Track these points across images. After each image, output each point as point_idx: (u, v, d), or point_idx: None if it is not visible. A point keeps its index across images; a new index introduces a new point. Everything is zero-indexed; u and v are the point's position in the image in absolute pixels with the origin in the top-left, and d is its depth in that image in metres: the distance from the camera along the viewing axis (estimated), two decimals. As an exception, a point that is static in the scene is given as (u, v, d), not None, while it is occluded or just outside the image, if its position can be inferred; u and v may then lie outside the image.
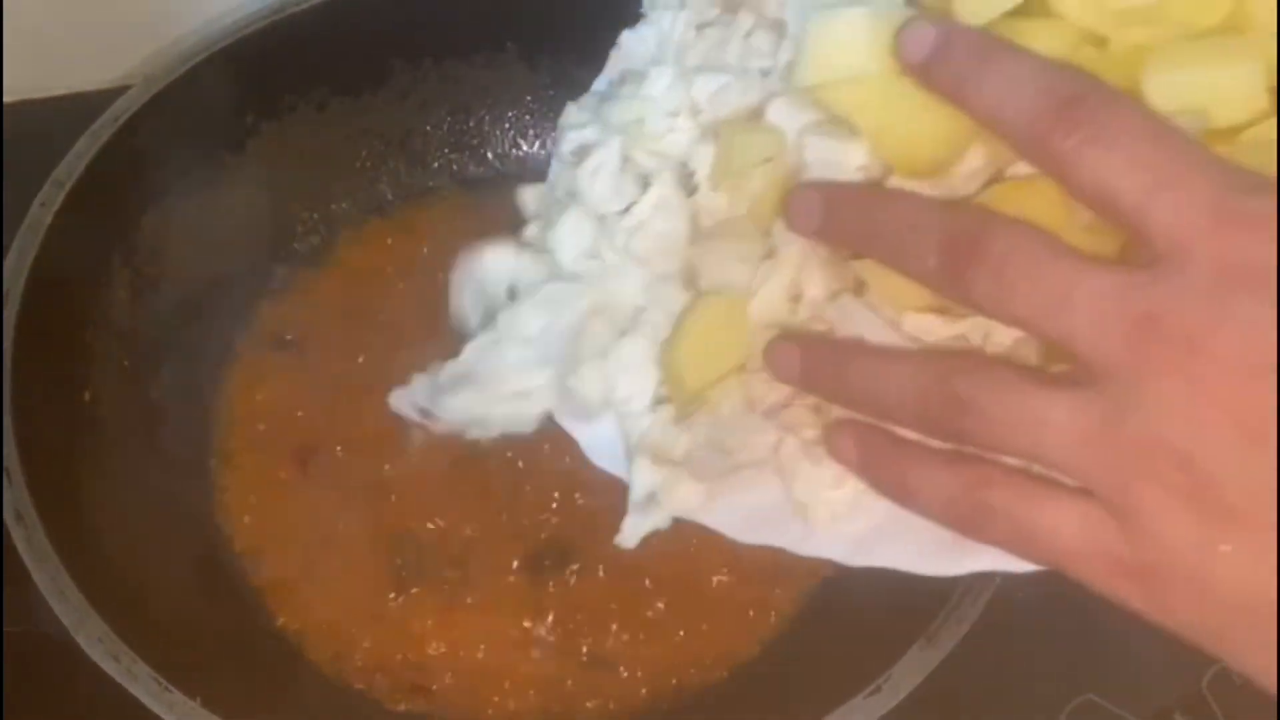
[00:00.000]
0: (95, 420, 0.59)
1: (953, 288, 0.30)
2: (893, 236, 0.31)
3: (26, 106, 0.76)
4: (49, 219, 0.58)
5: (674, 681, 0.59)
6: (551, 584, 0.61)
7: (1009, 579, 0.56)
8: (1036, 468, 0.30)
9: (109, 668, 0.47)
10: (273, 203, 0.70)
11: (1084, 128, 0.28)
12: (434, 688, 0.58)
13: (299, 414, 0.65)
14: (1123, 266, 0.28)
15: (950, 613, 0.50)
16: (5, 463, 0.51)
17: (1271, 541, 0.26)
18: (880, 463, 0.33)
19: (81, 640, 0.48)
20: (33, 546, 0.49)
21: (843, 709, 0.49)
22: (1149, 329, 0.27)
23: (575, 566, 0.61)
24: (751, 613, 0.60)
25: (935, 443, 0.32)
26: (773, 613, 0.61)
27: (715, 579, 0.60)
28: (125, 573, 0.52)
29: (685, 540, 0.55)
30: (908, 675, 0.49)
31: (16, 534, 0.49)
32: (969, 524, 0.31)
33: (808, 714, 0.50)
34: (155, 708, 0.47)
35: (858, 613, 0.57)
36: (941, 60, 0.30)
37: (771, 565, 0.60)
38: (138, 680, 0.47)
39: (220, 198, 0.68)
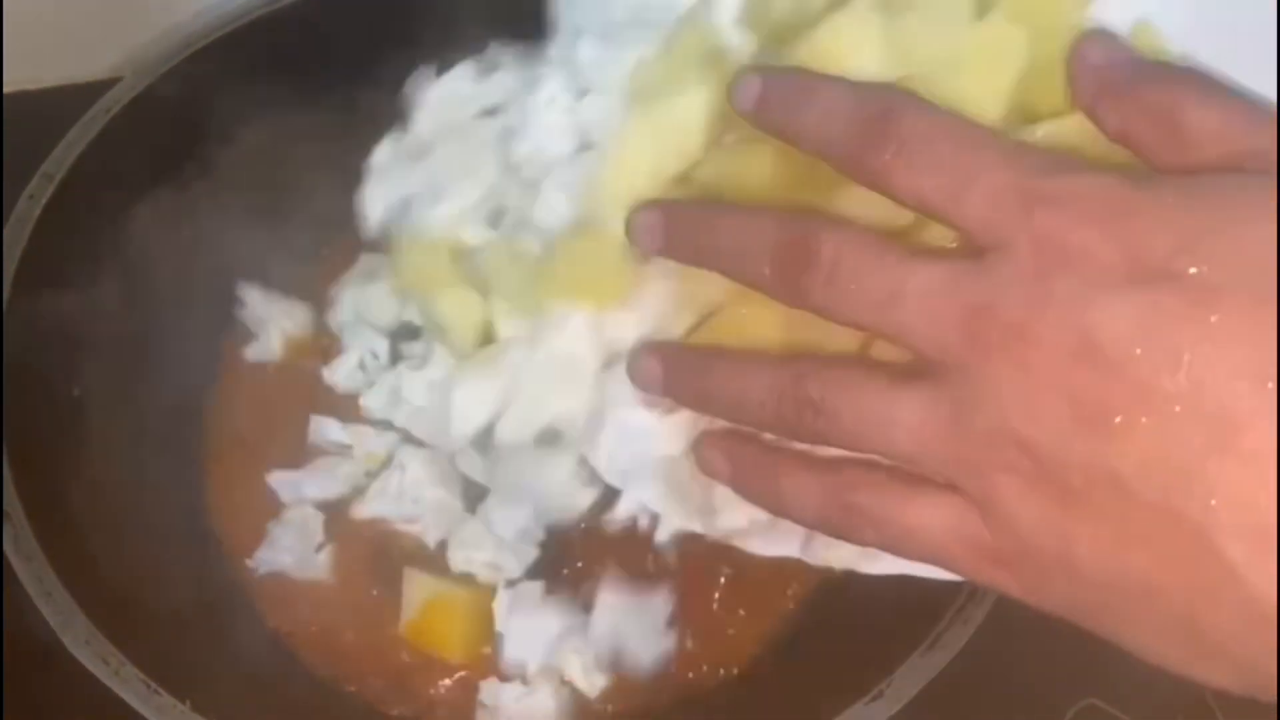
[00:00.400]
0: (84, 417, 0.58)
1: (791, 296, 0.31)
2: (730, 249, 0.32)
3: (16, 98, 0.75)
4: (37, 212, 0.57)
5: (675, 685, 0.58)
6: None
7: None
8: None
9: (97, 670, 0.46)
10: (265, 197, 0.70)
11: (891, 142, 0.29)
12: (429, 691, 0.57)
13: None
14: (951, 258, 0.28)
15: (954, 617, 0.50)
16: (-8, 460, 0.50)
17: (1119, 520, 0.26)
18: (750, 473, 0.34)
19: (68, 641, 0.47)
20: (19, 545, 0.48)
21: (844, 715, 0.48)
22: (980, 319, 0.27)
23: (578, 564, 0.60)
24: (753, 617, 0.60)
25: (803, 446, 0.33)
26: (774, 617, 0.60)
27: (719, 581, 0.60)
28: (113, 573, 0.52)
29: (687, 543, 0.55)
30: (910, 681, 0.49)
31: (4, 533, 0.48)
32: (842, 529, 0.32)
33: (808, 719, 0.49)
34: (144, 710, 0.46)
35: (859, 617, 0.57)
36: (766, 105, 0.32)
37: (773, 569, 0.60)
38: (126, 683, 0.46)
39: (211, 191, 0.67)
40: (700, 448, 0.35)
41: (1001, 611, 0.51)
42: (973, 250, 0.28)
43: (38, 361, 0.56)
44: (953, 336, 0.27)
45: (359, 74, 0.71)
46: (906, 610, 0.52)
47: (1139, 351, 0.25)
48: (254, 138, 0.68)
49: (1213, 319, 0.24)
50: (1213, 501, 0.24)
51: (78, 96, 0.63)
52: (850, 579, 0.59)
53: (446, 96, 0.51)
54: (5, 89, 0.74)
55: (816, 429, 0.30)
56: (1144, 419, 0.25)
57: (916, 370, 0.29)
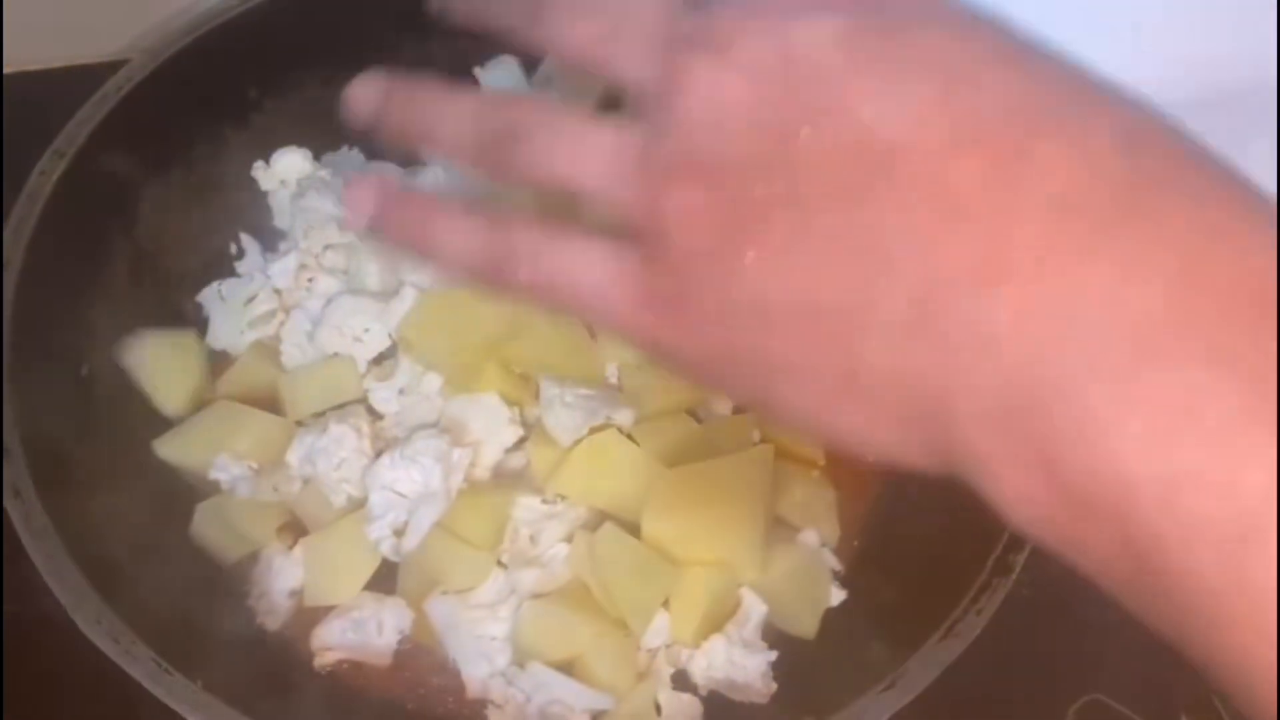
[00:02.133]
0: (94, 397, 0.58)
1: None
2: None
3: (27, 77, 0.74)
4: (49, 188, 0.57)
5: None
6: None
7: (1020, 578, 0.57)
8: None
9: (108, 649, 0.46)
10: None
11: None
12: (437, 684, 0.57)
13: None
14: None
15: (967, 607, 0.50)
16: (2, 437, 0.50)
17: (793, 243, 0.26)
18: (401, 215, 0.32)
19: (80, 621, 0.46)
20: (31, 524, 0.48)
21: (857, 704, 0.48)
22: (680, 41, 0.27)
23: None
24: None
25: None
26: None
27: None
28: (124, 553, 0.51)
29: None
30: (922, 671, 0.49)
31: (14, 511, 0.48)
32: (495, 271, 0.30)
33: (820, 708, 0.49)
34: (155, 690, 0.45)
35: (871, 605, 0.57)
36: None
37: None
38: (137, 662, 0.46)
39: (222, 172, 0.67)
40: (347, 188, 0.34)
41: (1007, 606, 0.51)
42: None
43: (47, 339, 0.56)
44: (652, 62, 0.27)
45: (368, 55, 0.70)
46: (918, 602, 0.52)
47: (831, 64, 0.25)
48: (264, 120, 0.68)
49: (903, 50, 0.25)
50: (884, 218, 0.24)
51: (87, 77, 0.62)
52: (860, 570, 0.61)
53: None
54: (17, 69, 0.74)
55: (514, 155, 0.30)
56: (827, 135, 0.25)
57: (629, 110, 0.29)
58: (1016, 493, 0.24)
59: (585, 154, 0.29)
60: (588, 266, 0.29)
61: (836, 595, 0.58)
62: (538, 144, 0.29)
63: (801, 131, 0.25)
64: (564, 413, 0.59)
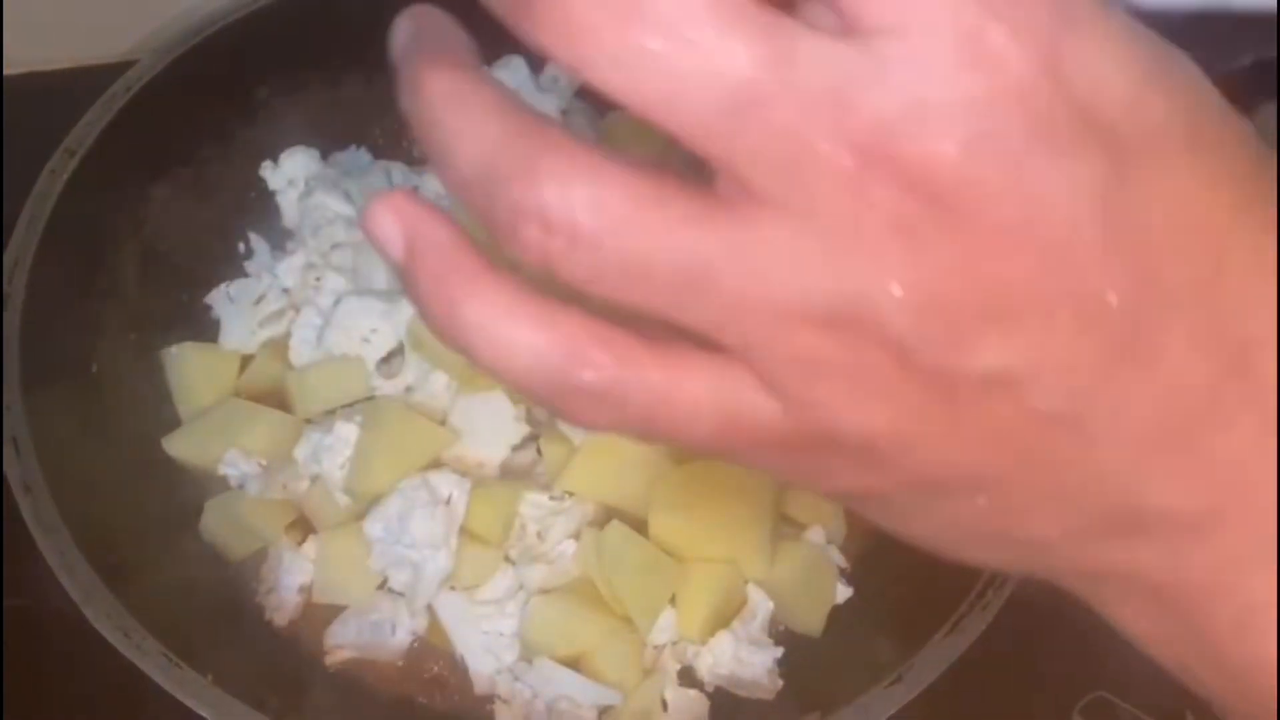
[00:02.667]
0: (103, 393, 0.58)
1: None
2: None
3: (36, 77, 0.75)
4: (59, 187, 0.57)
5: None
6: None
7: (1026, 576, 0.57)
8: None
9: (118, 643, 0.46)
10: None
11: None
12: (445, 679, 0.57)
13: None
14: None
15: (973, 602, 0.50)
16: (13, 433, 0.50)
17: (988, 422, 0.20)
18: (434, 267, 0.21)
19: (90, 614, 0.47)
20: (41, 518, 0.48)
21: (863, 699, 0.48)
22: (875, 153, 0.19)
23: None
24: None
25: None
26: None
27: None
28: (134, 547, 0.52)
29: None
30: (928, 666, 0.49)
31: (25, 505, 0.48)
32: (566, 398, 0.21)
33: (825, 703, 0.49)
34: (165, 684, 0.46)
35: (878, 602, 0.57)
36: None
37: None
38: (147, 656, 0.46)
39: (230, 172, 0.67)
40: (374, 208, 0.22)
41: (1012, 603, 0.51)
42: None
43: (57, 337, 0.56)
44: (819, 168, 0.19)
45: (377, 54, 0.71)
46: (926, 596, 0.53)
47: (1088, 232, 0.19)
48: (273, 119, 0.68)
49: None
50: (1120, 407, 0.20)
51: (96, 77, 0.63)
52: (870, 569, 0.61)
53: None
54: (28, 69, 0.74)
55: (563, 261, 0.20)
56: (1077, 318, 0.19)
57: (739, 198, 0.19)
58: (1147, 631, 0.23)
59: (693, 287, 0.20)
60: (698, 403, 0.21)
61: (843, 592, 0.59)
62: (608, 253, 0.20)
63: (1026, 314, 0.19)
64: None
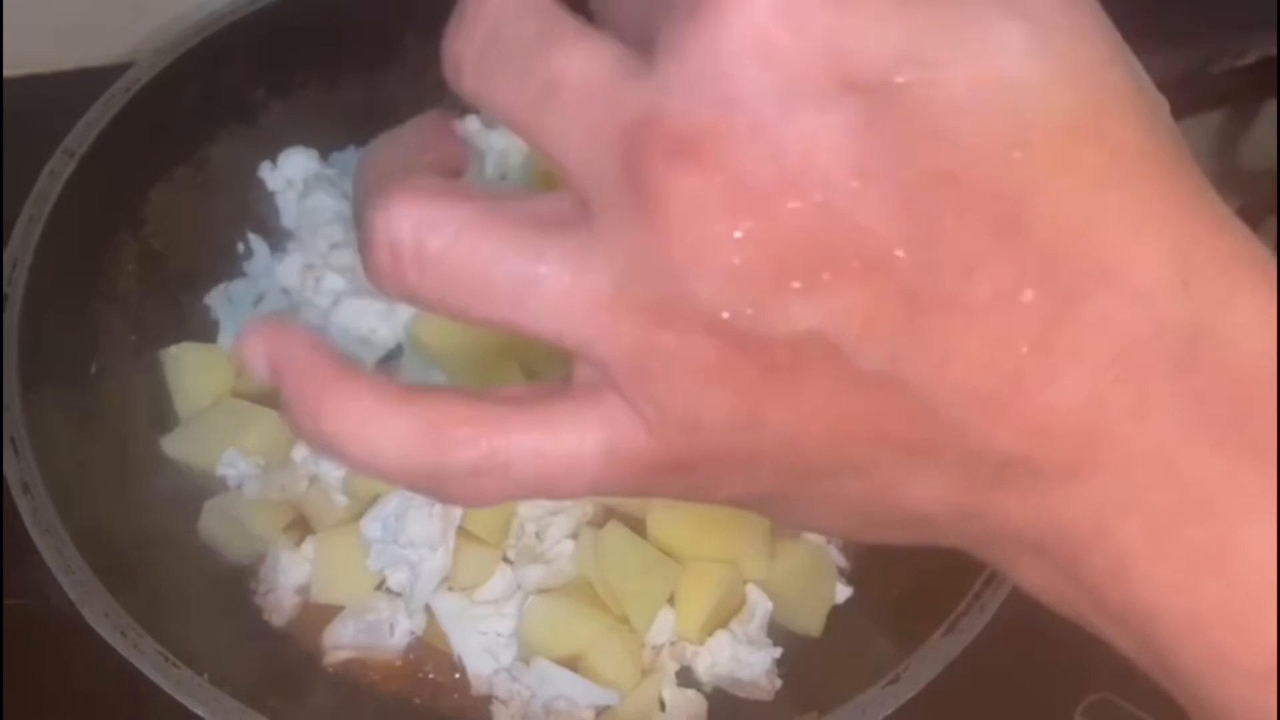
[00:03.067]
0: (102, 393, 0.58)
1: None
2: None
3: (36, 80, 0.75)
4: (59, 188, 0.57)
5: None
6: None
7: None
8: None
9: (115, 642, 0.46)
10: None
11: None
12: (443, 680, 0.57)
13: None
14: (608, 51, 0.20)
15: (970, 602, 0.50)
16: (11, 432, 0.50)
17: (828, 395, 0.20)
18: (293, 381, 0.22)
19: (87, 614, 0.47)
20: (39, 518, 0.48)
21: (860, 699, 0.48)
22: (644, 136, 0.19)
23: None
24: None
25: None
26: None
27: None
28: (132, 547, 0.52)
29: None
30: (926, 665, 0.49)
31: (23, 505, 0.48)
32: (440, 481, 0.21)
33: (824, 703, 0.49)
34: (162, 683, 0.46)
35: (875, 601, 0.57)
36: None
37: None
38: (144, 656, 0.46)
39: (229, 172, 0.68)
40: (242, 334, 0.23)
41: (1012, 603, 0.51)
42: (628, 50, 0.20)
43: (57, 337, 0.56)
44: (610, 159, 0.19)
45: (374, 55, 0.72)
46: (923, 595, 0.52)
47: (855, 185, 0.19)
48: (272, 120, 0.68)
49: (939, 151, 0.19)
50: (941, 362, 0.20)
51: (95, 79, 0.63)
52: (866, 566, 0.61)
53: None
54: (27, 71, 0.75)
55: (415, 284, 0.21)
56: (870, 270, 0.19)
57: (567, 213, 0.20)
58: (1041, 587, 0.23)
59: (532, 298, 0.20)
60: (579, 456, 0.21)
61: (842, 592, 0.58)
62: (461, 276, 0.21)
63: (829, 273, 0.19)
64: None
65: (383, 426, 0.21)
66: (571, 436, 0.21)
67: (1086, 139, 0.20)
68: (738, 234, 0.19)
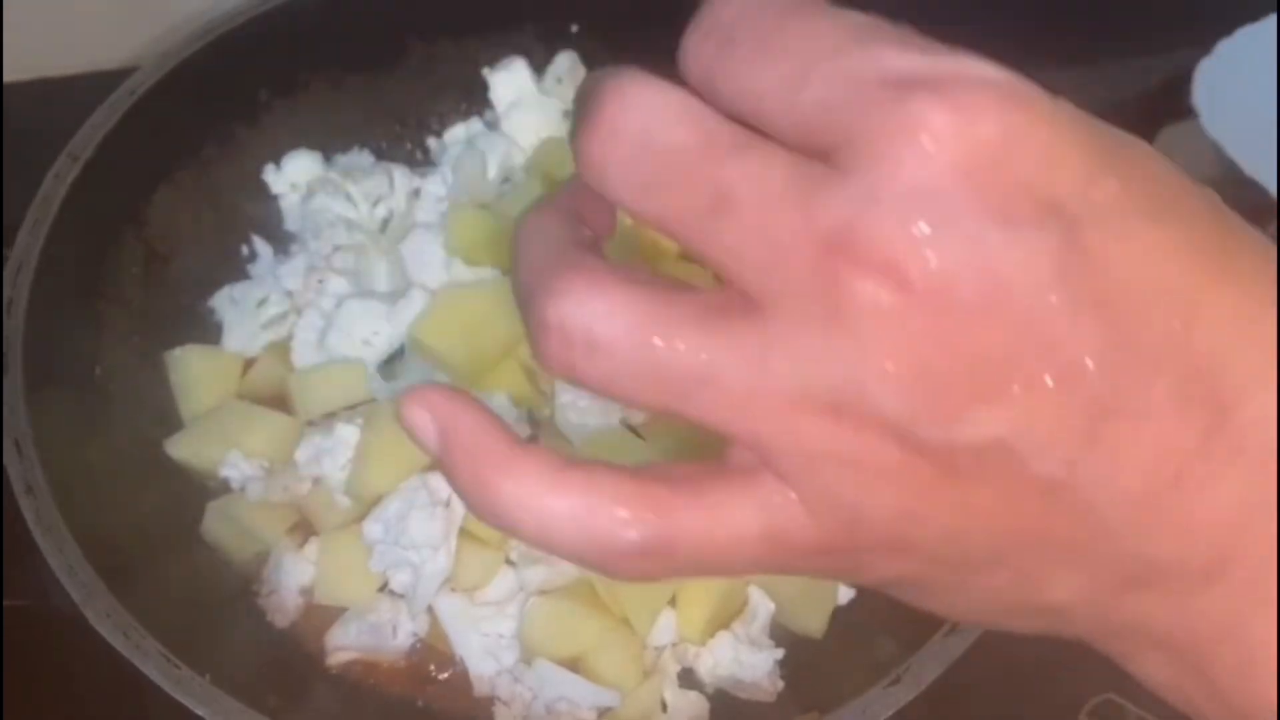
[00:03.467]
0: (107, 395, 0.58)
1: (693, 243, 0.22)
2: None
3: (42, 84, 0.76)
4: (63, 191, 0.57)
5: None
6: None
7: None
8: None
9: (118, 643, 0.46)
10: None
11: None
12: (445, 681, 0.57)
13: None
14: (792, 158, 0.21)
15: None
16: (16, 434, 0.50)
17: (996, 497, 0.21)
18: (466, 454, 0.23)
19: (90, 615, 0.47)
20: (42, 519, 0.49)
21: (861, 699, 0.48)
22: (836, 248, 0.20)
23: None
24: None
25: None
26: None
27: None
28: (135, 548, 0.52)
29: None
30: (928, 666, 0.49)
31: (26, 506, 0.49)
32: (608, 558, 0.22)
33: (825, 704, 0.49)
34: (164, 684, 0.46)
35: (877, 601, 0.57)
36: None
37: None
38: (147, 656, 0.46)
39: (233, 175, 0.68)
40: (408, 402, 0.24)
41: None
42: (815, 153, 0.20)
43: (60, 340, 0.57)
44: (798, 268, 0.20)
45: (378, 57, 0.72)
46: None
47: (1054, 300, 0.20)
48: (275, 122, 0.69)
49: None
50: (1112, 468, 0.21)
51: (100, 83, 0.63)
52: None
53: None
54: (33, 75, 0.75)
55: (582, 369, 0.21)
56: (1060, 382, 0.20)
57: (736, 309, 0.21)
58: (1163, 681, 0.24)
59: (704, 395, 0.21)
60: (742, 538, 0.22)
61: (845, 594, 0.58)
62: (621, 363, 0.21)
63: (1019, 385, 0.20)
64: (577, 417, 0.59)
65: (554, 505, 0.22)
66: (732, 520, 0.22)
67: (1231, 249, 0.21)
68: (933, 348, 0.20)
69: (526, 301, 0.22)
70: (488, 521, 0.23)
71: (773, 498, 0.22)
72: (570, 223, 0.24)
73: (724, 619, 0.57)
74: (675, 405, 0.21)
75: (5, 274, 0.55)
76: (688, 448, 0.59)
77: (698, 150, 0.20)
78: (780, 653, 0.57)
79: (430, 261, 0.63)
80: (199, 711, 0.46)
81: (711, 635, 0.57)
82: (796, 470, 0.21)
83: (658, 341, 0.21)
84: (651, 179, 0.21)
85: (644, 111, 0.21)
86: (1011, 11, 0.78)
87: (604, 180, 0.21)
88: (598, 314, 0.21)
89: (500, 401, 0.60)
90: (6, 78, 0.75)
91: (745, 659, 0.56)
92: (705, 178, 0.20)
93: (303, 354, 0.63)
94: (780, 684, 0.56)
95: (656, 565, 0.22)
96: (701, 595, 0.56)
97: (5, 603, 0.51)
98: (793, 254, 0.20)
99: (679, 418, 0.22)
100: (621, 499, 0.22)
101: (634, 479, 0.22)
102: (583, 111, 0.21)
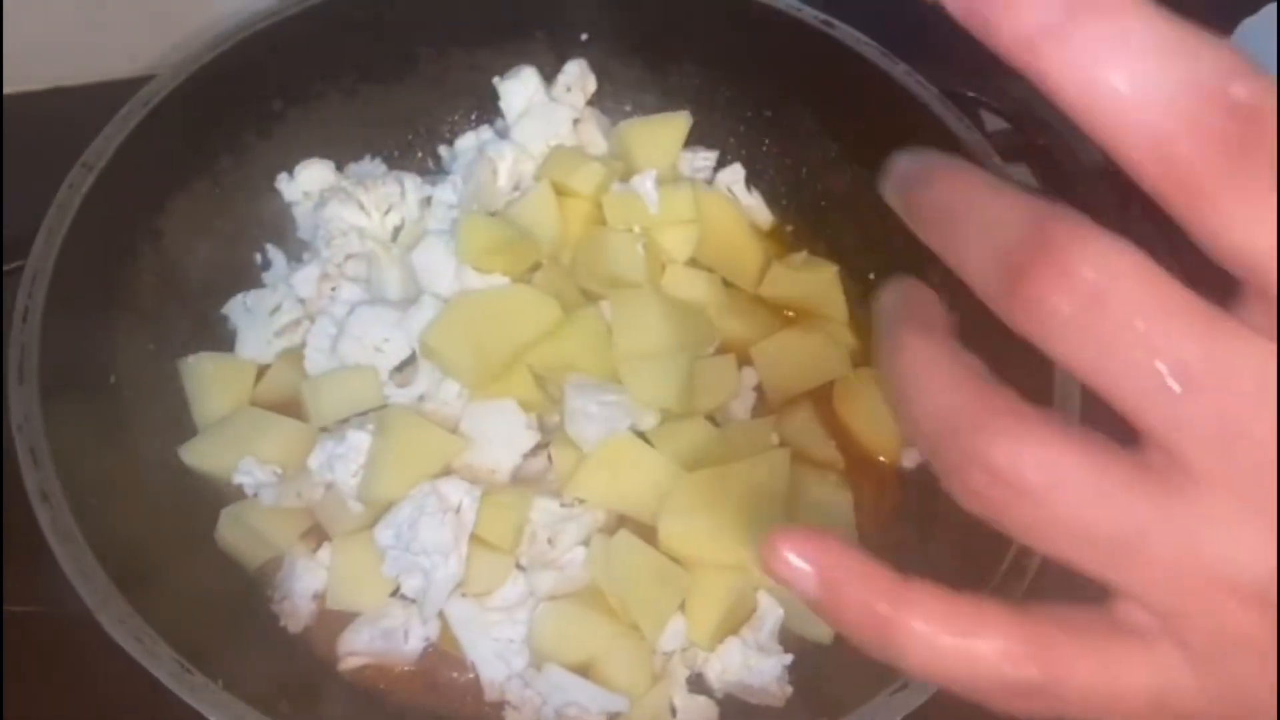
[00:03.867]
0: (121, 403, 0.59)
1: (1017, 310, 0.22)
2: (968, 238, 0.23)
3: (54, 94, 0.76)
4: (78, 201, 0.58)
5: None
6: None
7: (1040, 585, 0.56)
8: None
9: (131, 649, 0.47)
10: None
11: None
12: (456, 685, 0.58)
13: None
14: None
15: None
16: (31, 442, 0.51)
17: None
18: (856, 596, 0.24)
19: (104, 621, 0.47)
20: (57, 526, 0.49)
21: (870, 705, 0.48)
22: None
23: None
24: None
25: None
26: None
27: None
28: (148, 555, 0.52)
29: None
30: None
31: (41, 513, 0.49)
32: (1006, 696, 0.23)
33: (831, 712, 0.49)
34: (177, 690, 0.46)
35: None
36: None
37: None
38: (160, 661, 0.47)
39: (246, 183, 0.68)
40: (773, 547, 0.24)
41: (1038, 596, 0.51)
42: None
43: (76, 347, 0.57)
44: (1247, 452, 0.20)
45: (392, 68, 0.72)
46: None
47: None
48: (288, 132, 0.69)
49: None
50: None
51: (114, 93, 0.63)
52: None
53: None
54: (47, 85, 0.76)
55: (1000, 508, 0.22)
56: None
57: (1168, 468, 0.21)
58: None
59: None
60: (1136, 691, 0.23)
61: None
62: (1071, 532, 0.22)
63: None
64: (586, 424, 0.60)
65: (956, 640, 0.23)
66: (1124, 676, 0.23)
67: None
68: None
69: (950, 432, 0.22)
70: (877, 654, 0.24)
71: (1166, 664, 0.22)
72: (962, 352, 0.24)
73: (733, 625, 0.57)
74: (1093, 566, 0.22)
75: (21, 282, 0.55)
76: (696, 455, 0.59)
77: (1158, 318, 0.20)
78: (789, 658, 0.57)
79: (441, 269, 0.64)
80: (212, 717, 0.46)
81: (720, 641, 0.57)
82: (1207, 649, 0.22)
83: (1090, 499, 0.21)
84: (1104, 339, 0.20)
85: (1102, 266, 0.20)
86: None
87: (1045, 326, 0.21)
88: (1032, 462, 0.21)
89: (510, 408, 0.61)
90: (20, 87, 0.76)
91: (754, 664, 0.56)
92: (1163, 348, 0.20)
93: (315, 361, 0.64)
94: (789, 689, 0.56)
95: (1044, 704, 0.23)
96: (710, 602, 0.57)
97: (18, 608, 0.51)
98: (1249, 438, 0.20)
99: (1091, 575, 0.22)
100: (1021, 640, 0.23)
101: (1025, 618, 0.23)
102: (1022, 242, 0.21)
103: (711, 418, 0.63)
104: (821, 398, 0.66)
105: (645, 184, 0.66)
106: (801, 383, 0.66)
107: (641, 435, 0.60)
